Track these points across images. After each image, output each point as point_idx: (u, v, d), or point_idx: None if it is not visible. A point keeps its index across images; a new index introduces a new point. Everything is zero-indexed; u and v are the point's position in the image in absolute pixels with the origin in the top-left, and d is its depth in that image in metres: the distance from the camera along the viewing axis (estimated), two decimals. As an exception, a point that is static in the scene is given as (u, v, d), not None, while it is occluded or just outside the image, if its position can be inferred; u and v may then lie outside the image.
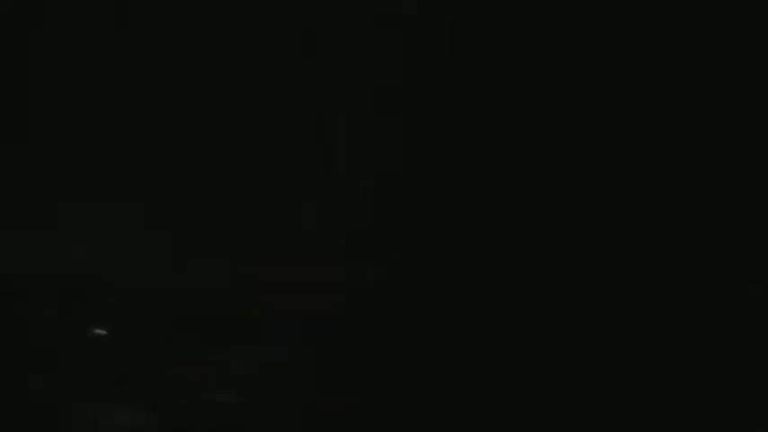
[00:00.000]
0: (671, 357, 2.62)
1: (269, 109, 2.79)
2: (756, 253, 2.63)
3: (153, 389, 2.68)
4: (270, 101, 2.79)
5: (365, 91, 2.77)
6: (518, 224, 2.70)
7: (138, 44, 2.77)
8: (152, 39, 2.77)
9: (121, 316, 2.73)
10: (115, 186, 2.78)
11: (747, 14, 2.68)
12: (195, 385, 2.70)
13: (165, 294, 2.75)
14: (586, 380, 2.62)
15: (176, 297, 2.75)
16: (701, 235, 2.66)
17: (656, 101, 2.71)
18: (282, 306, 2.75)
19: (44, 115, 2.78)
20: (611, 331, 2.64)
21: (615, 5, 2.71)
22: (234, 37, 2.78)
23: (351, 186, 2.77)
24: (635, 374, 2.62)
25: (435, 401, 2.65)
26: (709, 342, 2.61)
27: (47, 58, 2.78)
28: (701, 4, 2.69)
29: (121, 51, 2.78)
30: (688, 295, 2.63)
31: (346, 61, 2.78)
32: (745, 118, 2.68)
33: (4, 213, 2.76)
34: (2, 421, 2.63)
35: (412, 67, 2.76)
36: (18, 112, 2.77)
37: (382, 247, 2.74)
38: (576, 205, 2.70)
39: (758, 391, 2.58)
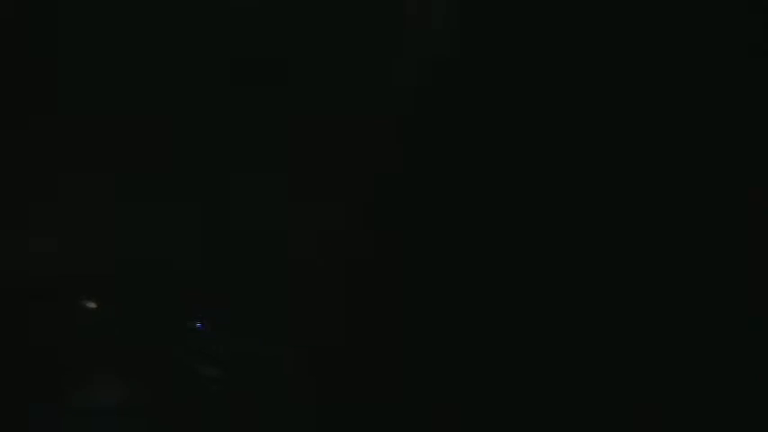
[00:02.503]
0: (671, 357, 2.62)
1: (268, 108, 2.79)
2: (756, 253, 2.63)
3: (142, 373, 2.69)
4: (270, 100, 2.79)
5: (365, 91, 2.78)
6: (519, 225, 2.70)
7: (137, 44, 2.78)
8: (152, 39, 2.77)
9: (115, 304, 2.74)
10: (114, 186, 2.78)
11: (747, 14, 2.68)
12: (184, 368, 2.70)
13: (163, 292, 2.75)
14: (587, 380, 2.63)
15: (174, 296, 2.75)
16: (701, 235, 2.66)
17: (657, 101, 2.71)
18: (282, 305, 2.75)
19: (42, 115, 2.79)
20: (611, 332, 2.64)
21: (616, 5, 2.71)
22: (233, 36, 2.78)
23: (351, 187, 2.77)
24: (635, 375, 2.62)
25: (435, 401, 2.65)
26: (709, 342, 2.61)
27: (44, 58, 2.79)
28: (701, 4, 2.69)
29: (119, 51, 2.78)
30: (688, 295, 2.64)
31: (347, 61, 2.78)
32: (745, 118, 2.68)
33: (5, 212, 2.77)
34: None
35: (413, 67, 2.76)
36: (16, 111, 2.77)
37: (383, 247, 2.74)
38: (577, 205, 2.70)
39: (758, 392, 2.58)
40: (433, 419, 2.64)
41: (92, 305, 2.73)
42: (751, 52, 2.68)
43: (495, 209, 2.71)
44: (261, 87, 2.78)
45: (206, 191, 2.78)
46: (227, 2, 2.76)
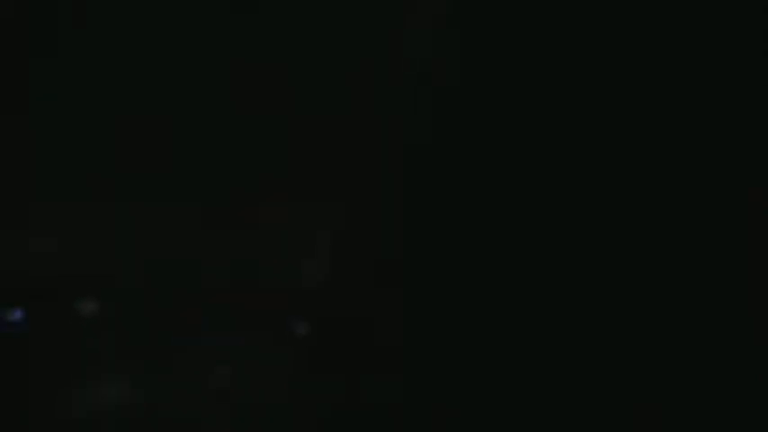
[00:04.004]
0: (671, 357, 2.62)
1: (268, 108, 2.79)
2: (756, 252, 2.63)
3: (147, 372, 2.69)
4: (269, 100, 2.79)
5: (367, 91, 2.77)
6: (519, 224, 2.70)
7: (137, 44, 2.77)
8: (149, 40, 2.77)
9: (118, 303, 2.73)
10: (115, 186, 2.78)
11: (747, 14, 2.68)
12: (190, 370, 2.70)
13: (163, 292, 2.75)
14: (587, 380, 2.62)
15: (173, 293, 2.75)
16: (702, 235, 2.65)
17: (657, 101, 2.71)
18: (281, 303, 2.75)
19: (40, 115, 2.78)
20: (611, 332, 2.64)
21: (616, 5, 2.71)
22: (232, 35, 2.78)
23: (351, 187, 2.77)
24: (635, 375, 2.62)
25: (435, 402, 2.65)
26: (709, 342, 2.61)
27: (44, 58, 2.78)
28: (701, 4, 2.69)
29: (119, 51, 2.78)
30: (688, 295, 2.63)
31: (348, 60, 2.78)
32: (746, 118, 2.68)
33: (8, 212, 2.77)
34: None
35: (414, 68, 2.75)
36: (14, 112, 2.77)
37: (384, 247, 2.74)
38: (577, 206, 2.69)
39: (758, 392, 2.58)
40: (433, 419, 2.64)
41: (92, 305, 2.73)
42: (751, 52, 2.68)
43: (495, 209, 2.71)
44: (261, 87, 2.78)
45: (206, 191, 2.78)
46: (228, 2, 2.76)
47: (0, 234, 2.74)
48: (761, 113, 2.67)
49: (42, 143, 2.77)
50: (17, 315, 2.67)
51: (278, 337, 2.73)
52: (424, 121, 2.73)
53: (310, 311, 2.74)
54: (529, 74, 2.72)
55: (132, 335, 2.72)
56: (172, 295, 2.74)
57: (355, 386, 2.69)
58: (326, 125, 2.77)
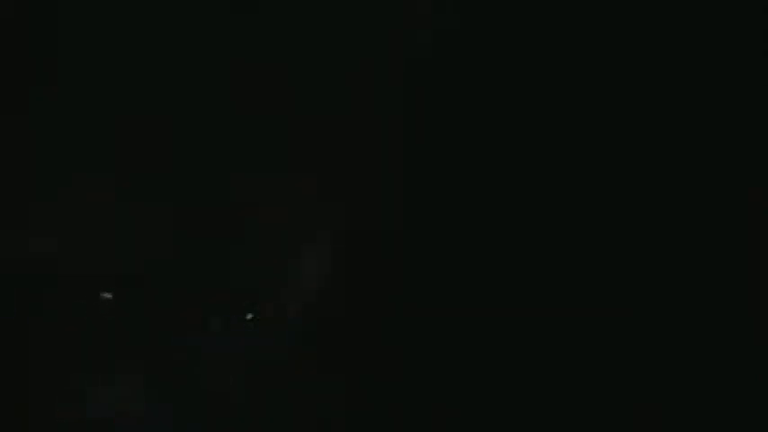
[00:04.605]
0: (671, 357, 2.62)
1: (268, 108, 2.79)
2: (756, 252, 2.63)
3: (148, 370, 2.69)
4: (269, 100, 2.79)
5: (366, 91, 2.77)
6: (520, 224, 2.70)
7: (137, 44, 2.77)
8: (149, 40, 2.77)
9: (120, 298, 2.74)
10: (114, 186, 2.78)
11: (747, 14, 2.68)
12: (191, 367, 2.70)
13: (165, 282, 2.75)
14: (587, 380, 2.63)
15: (174, 289, 2.75)
16: (702, 234, 2.66)
17: (657, 102, 2.71)
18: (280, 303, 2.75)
19: (40, 115, 2.79)
20: (611, 332, 2.64)
21: (616, 6, 2.71)
22: (232, 35, 2.78)
23: (350, 187, 2.77)
24: (635, 375, 2.62)
25: (432, 401, 2.65)
26: (709, 342, 2.61)
27: (44, 58, 2.79)
28: (702, 5, 2.69)
29: (119, 51, 2.78)
30: (688, 295, 2.64)
31: (349, 59, 2.78)
32: (745, 118, 2.68)
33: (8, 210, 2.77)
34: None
35: (414, 67, 2.76)
36: (14, 110, 2.77)
37: (382, 246, 2.74)
38: (577, 205, 2.69)
39: (758, 392, 2.58)
40: (433, 419, 2.64)
41: (93, 304, 2.73)
42: (751, 52, 2.68)
43: (495, 208, 2.71)
44: (261, 87, 2.78)
45: (207, 191, 2.78)
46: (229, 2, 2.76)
47: (0, 234, 2.75)
48: (761, 113, 2.67)
49: (42, 143, 2.77)
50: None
51: (277, 337, 2.74)
52: (424, 121, 2.73)
53: (310, 311, 2.74)
54: (529, 74, 2.72)
55: (132, 335, 2.73)
56: (172, 295, 2.74)
57: (355, 386, 2.69)
58: (326, 125, 2.77)
